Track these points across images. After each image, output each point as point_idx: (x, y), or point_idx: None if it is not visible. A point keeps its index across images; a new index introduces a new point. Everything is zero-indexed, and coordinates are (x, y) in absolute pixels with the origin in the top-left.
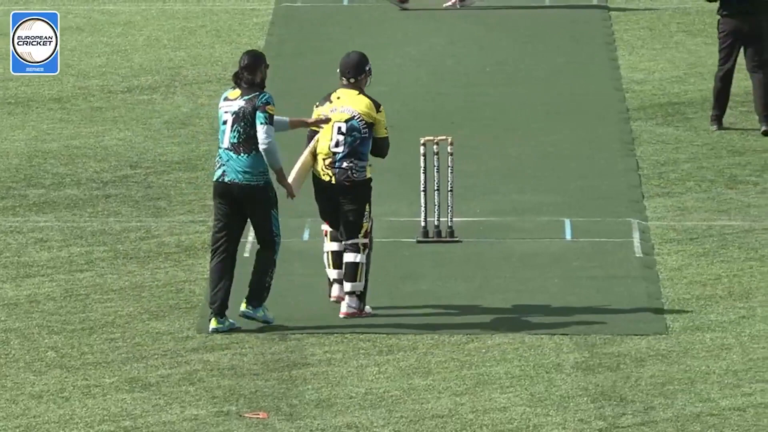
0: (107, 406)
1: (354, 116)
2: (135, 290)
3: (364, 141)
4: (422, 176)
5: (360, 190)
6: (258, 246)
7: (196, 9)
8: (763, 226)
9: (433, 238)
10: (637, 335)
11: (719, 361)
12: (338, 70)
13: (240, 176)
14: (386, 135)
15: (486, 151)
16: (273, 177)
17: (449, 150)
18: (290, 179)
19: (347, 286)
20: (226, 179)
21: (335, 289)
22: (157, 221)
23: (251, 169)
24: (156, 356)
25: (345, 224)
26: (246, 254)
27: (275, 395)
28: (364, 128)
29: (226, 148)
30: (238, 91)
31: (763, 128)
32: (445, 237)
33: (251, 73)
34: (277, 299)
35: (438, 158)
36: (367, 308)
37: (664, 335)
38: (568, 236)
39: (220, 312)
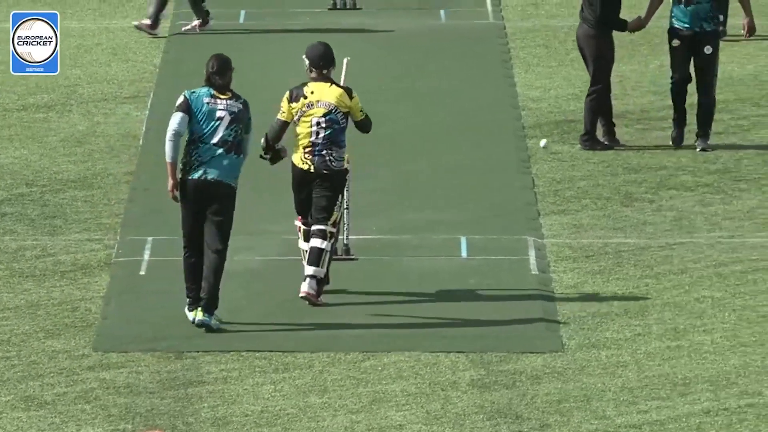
0: (3, 424)
1: (331, 110)
2: (31, 308)
3: (342, 130)
4: None
5: (336, 179)
6: (207, 250)
7: (92, 27)
8: (658, 243)
9: None
10: (533, 353)
11: (615, 379)
12: (306, 62)
13: (224, 175)
14: (363, 116)
15: (382, 169)
16: None
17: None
18: None
19: (309, 270)
20: (209, 177)
21: (304, 285)
22: (53, 240)
23: (235, 171)
24: (52, 374)
25: (316, 209)
26: (142, 272)
27: (171, 413)
28: (342, 119)
29: (214, 144)
30: (227, 93)
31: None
32: (342, 255)
33: (222, 76)
34: (172, 317)
35: None
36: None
37: (559, 353)
38: (465, 254)
39: (209, 307)
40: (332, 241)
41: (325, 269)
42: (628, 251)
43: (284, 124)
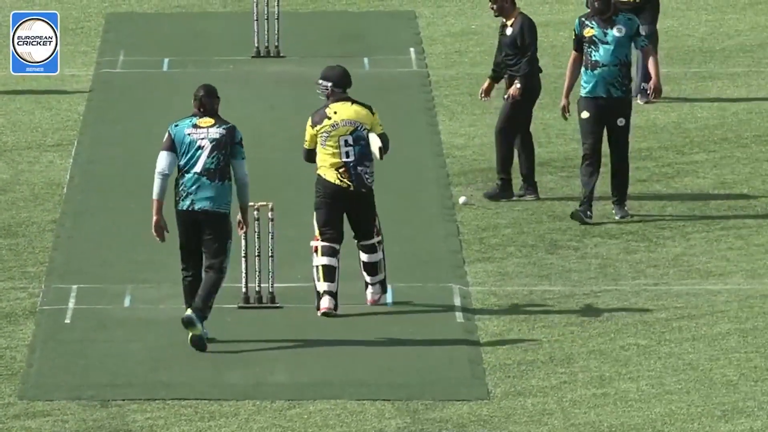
0: None
1: (357, 127)
2: None
3: (368, 144)
4: (243, 242)
5: (371, 195)
6: (205, 271)
7: (16, 75)
8: (583, 291)
9: (254, 303)
10: (458, 400)
11: (541, 427)
12: (327, 84)
13: (210, 203)
14: (382, 130)
15: (307, 216)
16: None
17: (270, 216)
18: None
19: (369, 278)
20: (196, 207)
21: (324, 301)
22: None
23: (222, 197)
24: None
25: (360, 227)
26: (67, 320)
27: None
28: (367, 134)
29: (197, 173)
30: (209, 120)
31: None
32: (267, 303)
33: (210, 101)
34: (98, 365)
35: (259, 224)
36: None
37: (485, 400)
38: (390, 301)
39: (198, 311)
40: (382, 247)
41: (383, 273)
42: (553, 299)
43: (311, 152)
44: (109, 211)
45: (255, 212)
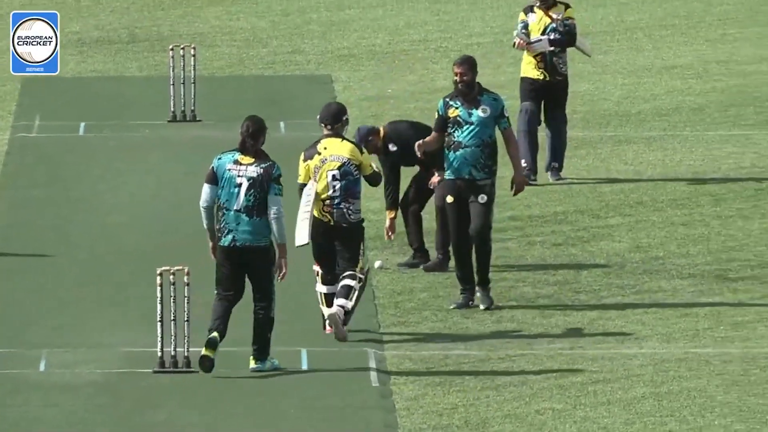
0: None
1: (344, 162)
2: None
3: (356, 181)
4: (158, 306)
5: (355, 231)
6: (254, 304)
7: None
8: (498, 355)
9: (169, 368)
10: None
11: None
12: (318, 120)
13: (251, 238)
14: (372, 170)
15: None
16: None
17: (186, 280)
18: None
19: (339, 301)
20: (238, 244)
21: (333, 308)
22: None
23: (261, 231)
24: None
25: (343, 261)
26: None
27: None
28: (355, 171)
29: (236, 210)
30: (250, 158)
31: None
32: (182, 367)
33: (254, 139)
34: (12, 431)
35: (174, 288)
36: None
37: None
38: (305, 366)
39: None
40: (362, 284)
41: (352, 303)
42: (468, 363)
43: (303, 186)
44: (25, 274)
45: (171, 276)
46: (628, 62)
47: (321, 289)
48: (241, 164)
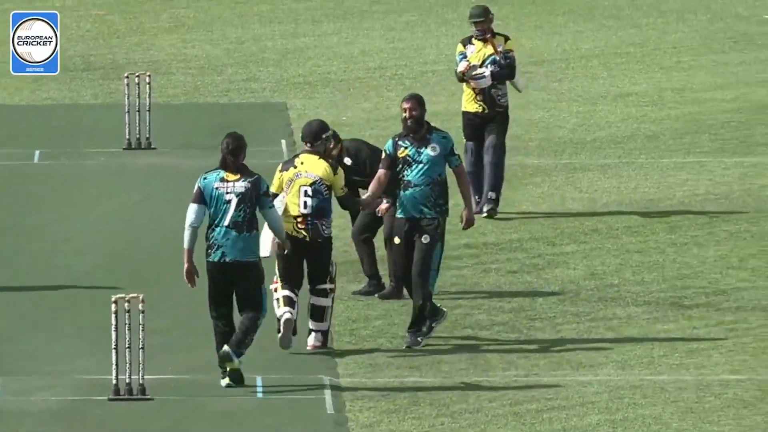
0: None
1: (316, 181)
2: None
3: (327, 200)
4: (113, 334)
5: (328, 244)
6: (244, 316)
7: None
8: (453, 382)
9: (124, 395)
10: None
11: None
12: (301, 137)
13: (240, 254)
14: (343, 193)
15: (178, 308)
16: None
17: (140, 307)
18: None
19: (314, 325)
20: (227, 259)
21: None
22: None
23: (251, 247)
24: None
25: (315, 273)
26: None
27: None
28: (325, 190)
29: (226, 226)
30: (234, 174)
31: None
32: (137, 395)
33: (235, 155)
34: None
35: (129, 315)
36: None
37: None
38: (260, 393)
39: (237, 345)
40: (332, 296)
41: (328, 322)
42: (424, 390)
43: (275, 195)
44: None
45: (126, 304)
46: (583, 90)
47: (282, 293)
48: (227, 181)
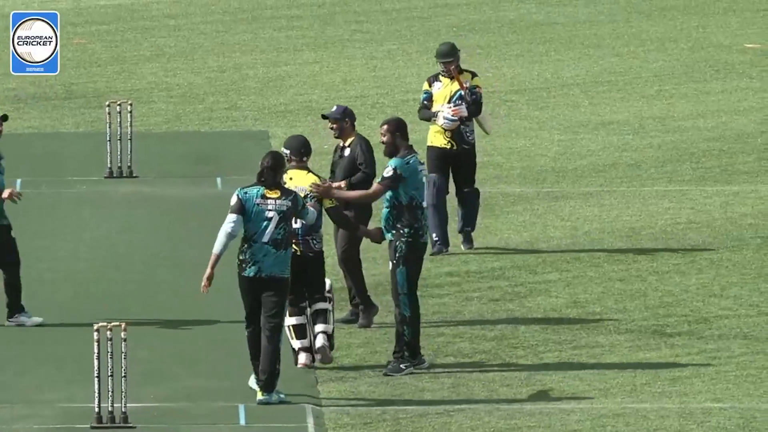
0: None
1: (306, 195)
2: None
3: (318, 215)
4: (96, 362)
5: (320, 258)
6: (263, 332)
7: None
8: (436, 410)
9: (107, 423)
10: None
11: None
12: (287, 152)
13: (277, 270)
14: (332, 204)
15: (160, 336)
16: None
17: (123, 336)
18: None
19: (320, 327)
20: (263, 275)
21: (301, 357)
22: None
23: (286, 264)
24: None
25: (313, 286)
26: None
27: None
28: (316, 204)
29: (265, 243)
30: (276, 191)
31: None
32: (119, 423)
33: (275, 171)
34: None
35: (112, 344)
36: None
37: None
38: (243, 422)
39: (267, 387)
40: (331, 302)
41: (331, 324)
42: (406, 418)
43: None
44: None
45: (108, 332)
46: (564, 118)
47: (290, 321)
48: (269, 198)
